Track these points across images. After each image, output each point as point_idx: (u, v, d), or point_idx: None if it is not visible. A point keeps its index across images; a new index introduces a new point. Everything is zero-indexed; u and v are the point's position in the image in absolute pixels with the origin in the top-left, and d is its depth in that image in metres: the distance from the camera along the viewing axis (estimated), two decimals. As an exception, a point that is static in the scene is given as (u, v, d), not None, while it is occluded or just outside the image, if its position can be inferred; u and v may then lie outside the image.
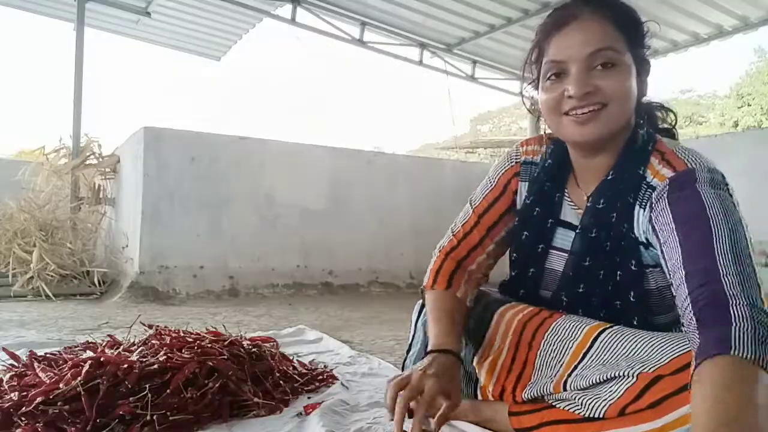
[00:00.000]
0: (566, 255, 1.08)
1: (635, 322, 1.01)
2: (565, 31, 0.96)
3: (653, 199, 0.93)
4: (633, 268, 0.98)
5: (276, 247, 4.65)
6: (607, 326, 1.00)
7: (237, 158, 4.56)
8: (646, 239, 0.96)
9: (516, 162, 1.19)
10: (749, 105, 18.02)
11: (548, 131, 1.12)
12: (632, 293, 0.99)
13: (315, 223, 4.83)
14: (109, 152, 5.04)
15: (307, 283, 4.71)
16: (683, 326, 0.81)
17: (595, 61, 0.93)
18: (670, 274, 0.87)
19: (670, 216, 0.88)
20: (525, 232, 1.12)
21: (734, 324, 0.71)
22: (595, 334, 1.00)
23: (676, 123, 1.11)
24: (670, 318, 1.02)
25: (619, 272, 0.99)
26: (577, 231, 1.06)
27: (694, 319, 0.77)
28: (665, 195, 0.92)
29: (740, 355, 0.68)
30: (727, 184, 0.91)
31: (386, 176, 5.33)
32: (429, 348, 1.04)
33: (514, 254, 1.16)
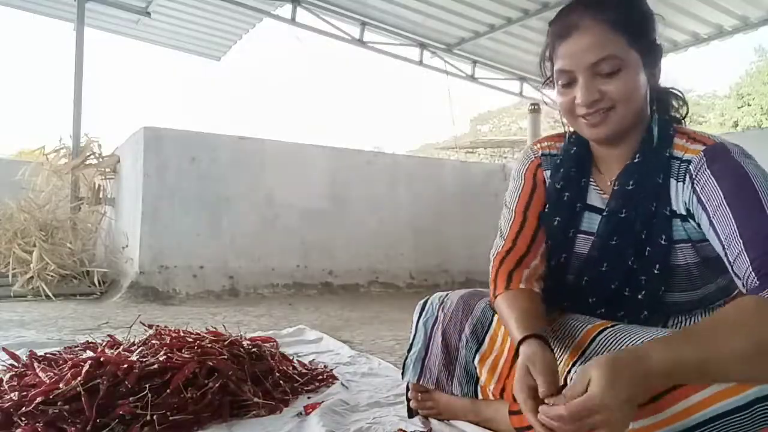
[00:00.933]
0: (591, 238, 1.08)
1: (641, 296, 1.01)
2: (569, 41, 0.99)
3: (692, 171, 0.96)
4: (663, 242, 0.99)
5: (276, 247, 4.65)
6: (609, 325, 1.01)
7: (237, 158, 4.56)
8: (687, 210, 0.98)
9: (535, 156, 1.21)
10: (749, 105, 18.03)
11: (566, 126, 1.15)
12: (658, 266, 1.00)
13: (315, 223, 4.83)
14: (109, 152, 5.04)
15: (307, 283, 4.71)
16: (746, 292, 0.83)
17: (599, 68, 0.97)
18: (723, 245, 0.89)
19: (717, 187, 0.91)
20: (557, 218, 1.12)
21: None
22: (596, 332, 1.00)
23: (687, 113, 1.12)
24: (689, 297, 1.03)
25: (648, 248, 1.01)
26: (604, 214, 1.07)
27: (757, 283, 0.81)
28: (704, 166, 0.94)
29: None
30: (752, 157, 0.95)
31: (386, 176, 5.33)
32: (517, 341, 0.97)
33: (549, 241, 1.13)
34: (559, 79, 1.02)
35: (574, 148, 1.14)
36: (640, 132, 1.04)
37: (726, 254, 0.88)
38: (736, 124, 17.57)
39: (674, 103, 1.10)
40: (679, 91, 1.10)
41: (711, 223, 0.91)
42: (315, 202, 4.87)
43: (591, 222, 1.09)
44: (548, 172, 1.17)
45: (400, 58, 6.56)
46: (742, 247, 0.84)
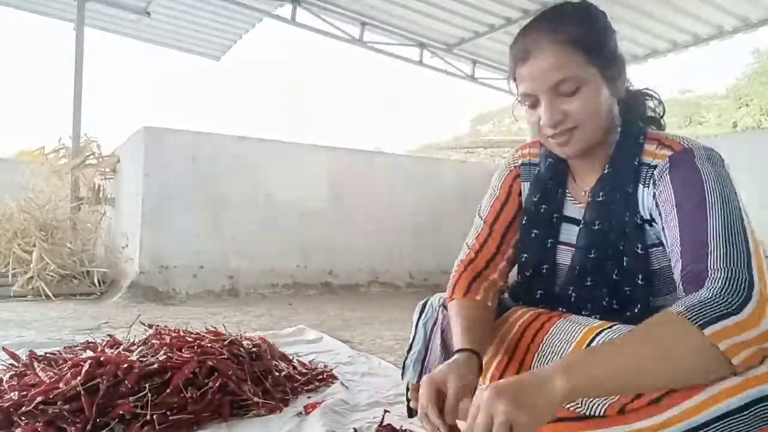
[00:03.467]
0: (572, 249, 1.09)
1: (636, 310, 1.01)
2: (527, 64, 0.99)
3: (656, 176, 0.97)
4: (639, 251, 1.00)
5: (276, 247, 4.64)
6: (606, 327, 1.00)
7: (237, 158, 4.56)
8: (650, 215, 0.99)
9: (514, 166, 1.23)
10: (748, 105, 18.02)
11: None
12: (640, 276, 1.00)
13: (315, 223, 4.83)
14: (109, 152, 5.04)
15: (307, 283, 4.71)
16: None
17: (559, 90, 0.97)
18: (669, 250, 0.91)
19: (671, 192, 0.92)
20: (534, 230, 1.14)
21: (700, 293, 0.79)
22: (593, 334, 1.00)
23: (664, 113, 1.13)
24: (672, 300, 1.03)
25: (625, 258, 1.01)
26: (581, 226, 1.08)
27: (683, 294, 0.84)
28: (667, 171, 0.95)
29: (684, 314, 0.76)
30: (723, 161, 0.95)
31: (386, 176, 5.32)
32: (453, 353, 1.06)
33: (524, 255, 1.17)
34: (524, 101, 1.03)
35: (550, 160, 1.15)
36: (610, 142, 1.05)
37: (671, 260, 0.90)
38: (735, 125, 17.56)
39: (650, 104, 1.11)
40: (653, 92, 1.11)
41: (663, 228, 0.93)
42: (315, 202, 4.87)
43: (570, 233, 1.11)
44: (526, 184, 1.20)
45: (399, 57, 6.56)
46: (679, 254, 0.86)
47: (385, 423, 1.26)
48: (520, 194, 1.21)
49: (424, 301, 1.38)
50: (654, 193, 0.96)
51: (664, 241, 0.93)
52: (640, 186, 1.00)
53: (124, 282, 4.16)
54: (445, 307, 1.24)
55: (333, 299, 4.38)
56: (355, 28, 6.02)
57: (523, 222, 1.17)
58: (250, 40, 6.44)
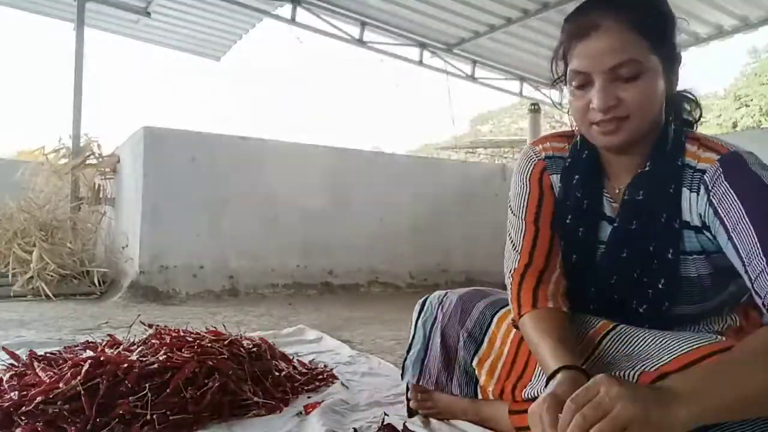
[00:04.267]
0: (602, 248, 1.05)
1: (642, 310, 0.99)
2: (587, 41, 0.93)
3: (708, 182, 0.92)
4: (669, 256, 0.96)
5: (276, 247, 4.64)
6: (612, 327, 0.99)
7: (237, 158, 4.56)
8: (703, 223, 0.94)
9: (538, 159, 1.14)
10: (747, 105, 18.02)
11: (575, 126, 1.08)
12: (662, 281, 0.97)
13: (315, 223, 4.83)
14: (109, 152, 5.04)
15: (307, 283, 4.71)
16: (766, 311, 0.83)
17: (618, 73, 0.91)
18: (744, 261, 0.86)
19: (736, 200, 0.88)
20: (581, 229, 1.06)
21: None
22: (600, 335, 0.99)
23: (700, 116, 1.08)
24: (699, 310, 1.00)
25: (655, 261, 0.97)
26: (615, 224, 1.03)
27: None
28: (721, 177, 0.91)
29: None
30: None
31: (386, 176, 5.32)
32: (552, 370, 0.91)
33: (574, 255, 1.08)
34: (573, 80, 0.96)
35: (585, 153, 1.08)
36: (652, 139, 0.99)
37: (747, 271, 0.86)
38: (735, 125, 17.56)
39: (687, 106, 1.06)
40: (692, 94, 1.05)
41: (730, 238, 0.88)
42: (315, 202, 4.87)
43: (604, 232, 1.05)
44: (555, 177, 1.11)
45: (400, 58, 6.56)
46: (765, 266, 0.82)
47: (386, 422, 1.25)
48: (551, 187, 1.12)
49: (423, 299, 1.38)
50: (710, 201, 0.92)
51: (731, 251, 0.89)
52: (685, 189, 0.95)
53: (124, 282, 4.16)
54: (515, 326, 1.10)
55: (333, 299, 4.38)
56: (355, 28, 6.02)
57: (568, 220, 1.08)
58: (250, 40, 6.43)
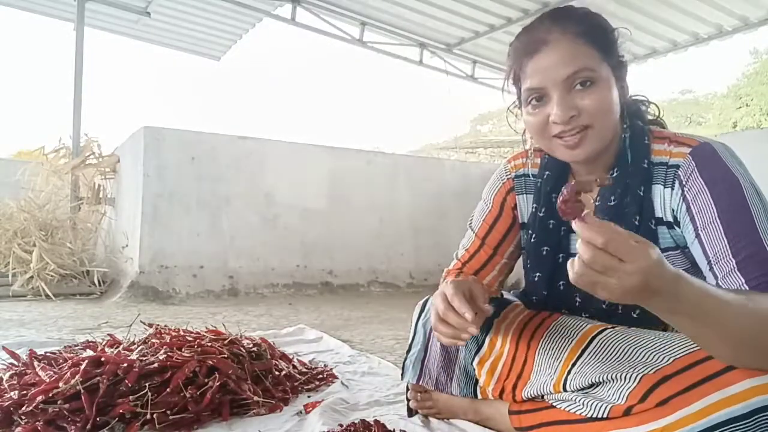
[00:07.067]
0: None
1: (635, 315, 1.00)
2: (538, 57, 0.94)
3: (682, 177, 0.94)
4: None
5: (276, 247, 4.65)
6: (608, 326, 1.00)
7: (237, 158, 4.56)
8: (674, 218, 0.96)
9: (507, 178, 1.20)
10: (748, 105, 18.03)
11: (535, 145, 1.12)
12: None
13: (315, 223, 4.83)
14: (109, 152, 5.04)
15: (307, 283, 4.71)
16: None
17: (573, 82, 0.93)
18: (711, 261, 0.88)
19: (710, 199, 0.89)
20: (545, 247, 1.10)
21: None
22: (594, 333, 1.00)
23: (659, 114, 1.11)
24: None
25: None
26: None
27: (741, 277, 0.83)
28: (695, 171, 0.92)
29: None
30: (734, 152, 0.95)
31: (386, 176, 5.33)
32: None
33: (538, 274, 1.12)
34: (529, 98, 0.97)
35: (548, 172, 1.12)
36: (615, 146, 1.01)
37: (712, 269, 0.88)
38: (735, 125, 17.56)
39: (643, 108, 1.09)
40: (644, 96, 1.08)
41: (698, 236, 0.90)
42: (315, 202, 4.87)
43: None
44: (521, 197, 1.18)
45: (400, 57, 6.56)
46: (735, 267, 0.84)
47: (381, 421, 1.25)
48: (514, 208, 1.18)
49: (423, 300, 1.39)
50: (685, 196, 0.93)
51: (697, 249, 0.91)
52: (658, 186, 0.97)
53: (124, 282, 4.15)
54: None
55: (333, 299, 4.38)
56: (355, 28, 6.02)
57: (532, 240, 1.13)
58: (250, 40, 6.44)
